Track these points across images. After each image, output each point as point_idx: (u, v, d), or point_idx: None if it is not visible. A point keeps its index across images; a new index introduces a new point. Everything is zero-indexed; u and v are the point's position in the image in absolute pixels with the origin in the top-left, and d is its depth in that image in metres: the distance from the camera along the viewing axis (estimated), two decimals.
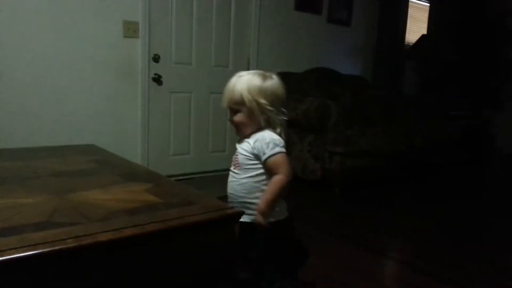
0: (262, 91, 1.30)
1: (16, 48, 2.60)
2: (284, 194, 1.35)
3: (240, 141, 1.41)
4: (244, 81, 1.31)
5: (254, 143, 1.32)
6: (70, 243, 0.91)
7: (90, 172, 1.62)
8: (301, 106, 3.29)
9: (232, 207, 1.24)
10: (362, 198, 3.24)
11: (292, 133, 3.46)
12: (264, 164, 1.31)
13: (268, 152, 1.29)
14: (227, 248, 1.24)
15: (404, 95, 5.11)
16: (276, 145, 1.29)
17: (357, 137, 3.27)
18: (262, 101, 1.29)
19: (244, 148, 1.35)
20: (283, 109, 1.35)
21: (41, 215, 1.07)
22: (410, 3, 5.09)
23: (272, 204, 1.32)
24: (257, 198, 1.33)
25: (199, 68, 3.50)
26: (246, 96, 1.29)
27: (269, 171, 1.32)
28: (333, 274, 1.91)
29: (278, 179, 1.29)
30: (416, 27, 5.41)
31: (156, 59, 3.21)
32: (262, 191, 1.34)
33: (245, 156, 1.35)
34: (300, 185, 3.40)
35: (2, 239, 0.90)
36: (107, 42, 2.95)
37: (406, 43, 5.17)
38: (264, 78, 1.32)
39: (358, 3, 4.62)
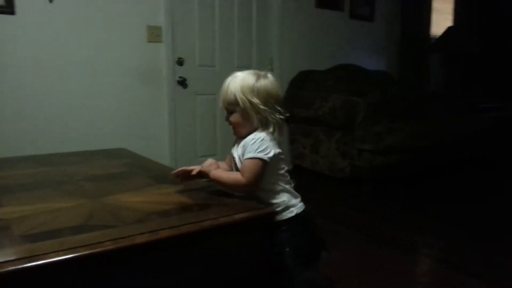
0: (255, 91, 1.28)
1: (42, 56, 2.67)
2: (233, 191, 1.31)
3: (235, 143, 1.39)
4: (238, 81, 1.30)
5: (243, 147, 1.30)
6: (109, 246, 0.92)
7: (122, 175, 1.64)
8: (326, 104, 3.26)
9: (264, 207, 1.23)
10: (392, 196, 3.18)
11: (318, 131, 3.43)
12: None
13: (246, 155, 1.26)
14: (262, 248, 1.23)
15: (431, 89, 5.00)
16: (255, 150, 1.25)
17: (385, 133, 3.21)
18: (255, 100, 1.27)
19: (238, 153, 1.34)
20: (278, 108, 1.32)
21: (78, 219, 1.09)
22: None
23: (217, 180, 1.29)
24: (270, 193, 1.31)
25: (222, 70, 3.50)
26: (240, 96, 1.27)
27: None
28: (361, 272, 1.88)
29: (239, 179, 1.25)
30: (441, 19, 5.28)
31: (180, 62, 3.24)
32: (271, 187, 1.31)
33: (240, 161, 1.33)
34: (328, 183, 3.37)
35: (42, 242, 0.91)
36: (131, 47, 2.99)
37: (431, 36, 5.05)
38: (258, 77, 1.30)
39: None
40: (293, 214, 1.33)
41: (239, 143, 1.33)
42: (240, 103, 1.28)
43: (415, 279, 1.94)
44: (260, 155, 1.23)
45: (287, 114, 1.34)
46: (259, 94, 1.28)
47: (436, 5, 5.10)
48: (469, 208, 2.91)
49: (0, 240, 0.93)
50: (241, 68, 3.66)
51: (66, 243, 0.91)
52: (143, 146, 2.94)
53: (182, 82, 3.26)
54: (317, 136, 3.45)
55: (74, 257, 0.87)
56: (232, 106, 1.30)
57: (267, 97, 1.29)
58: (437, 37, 5.00)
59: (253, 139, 1.27)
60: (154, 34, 3.07)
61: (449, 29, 4.87)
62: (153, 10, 3.04)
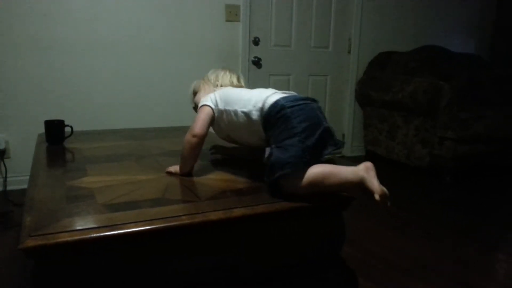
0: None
1: (123, 36, 2.77)
2: (192, 152, 1.28)
3: None
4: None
5: None
6: (184, 220, 0.92)
7: None
8: (407, 87, 3.07)
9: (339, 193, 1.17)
10: (476, 189, 2.94)
11: (396, 116, 3.25)
12: None
13: None
14: (334, 234, 1.19)
15: None
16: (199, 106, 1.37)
17: (472, 120, 2.96)
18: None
19: None
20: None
21: (155, 192, 1.11)
22: None
23: (182, 162, 1.29)
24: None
25: (298, 50, 3.43)
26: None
27: None
28: (438, 265, 1.76)
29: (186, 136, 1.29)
30: None
31: (256, 42, 3.22)
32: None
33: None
34: (404, 172, 3.20)
35: (123, 212, 0.94)
36: (210, 26, 3.02)
37: None
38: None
39: None
40: None
41: None
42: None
43: (495, 276, 1.79)
44: (201, 103, 1.37)
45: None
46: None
47: None
48: None
49: (85, 207, 0.97)
50: (317, 48, 3.57)
51: (145, 215, 0.93)
52: None
53: (257, 62, 3.24)
54: (394, 122, 3.28)
55: (151, 229, 0.89)
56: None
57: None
58: None
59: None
60: (232, 13, 3.07)
61: None
62: None
